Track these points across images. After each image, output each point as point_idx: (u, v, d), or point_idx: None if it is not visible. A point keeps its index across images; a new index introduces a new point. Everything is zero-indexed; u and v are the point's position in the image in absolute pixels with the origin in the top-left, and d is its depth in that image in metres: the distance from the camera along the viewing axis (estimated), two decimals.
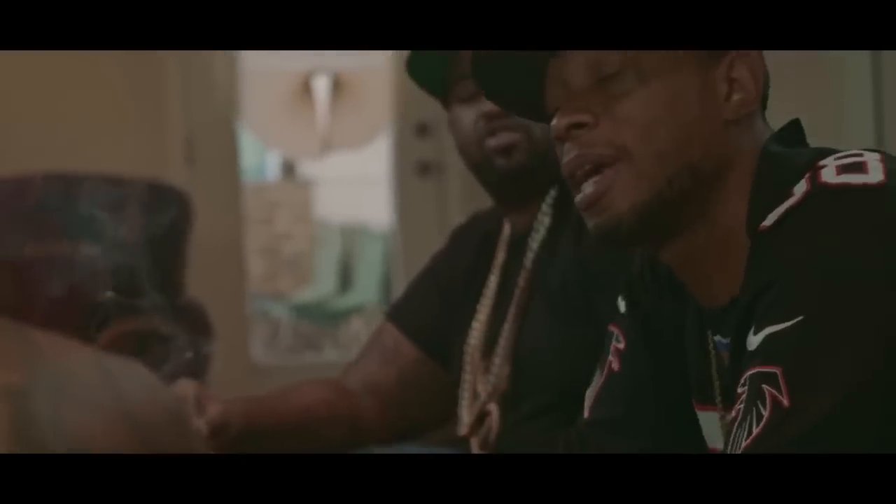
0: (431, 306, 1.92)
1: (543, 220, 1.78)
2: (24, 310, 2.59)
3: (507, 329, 1.77)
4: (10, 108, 3.80)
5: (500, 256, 1.85)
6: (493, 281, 1.84)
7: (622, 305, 1.39)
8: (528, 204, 1.80)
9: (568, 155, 1.24)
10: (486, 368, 1.79)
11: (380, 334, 1.95)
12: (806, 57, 3.30)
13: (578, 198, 1.24)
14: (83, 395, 0.66)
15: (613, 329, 1.39)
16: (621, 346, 1.37)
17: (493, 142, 1.77)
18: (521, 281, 1.77)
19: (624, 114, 1.21)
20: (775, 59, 3.39)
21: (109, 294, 2.67)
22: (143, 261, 2.72)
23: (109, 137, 3.90)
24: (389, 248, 5.75)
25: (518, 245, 1.82)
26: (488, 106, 1.71)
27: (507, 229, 1.86)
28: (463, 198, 3.83)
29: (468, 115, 1.80)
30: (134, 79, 3.92)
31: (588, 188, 1.23)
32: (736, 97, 1.25)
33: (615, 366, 1.37)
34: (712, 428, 1.30)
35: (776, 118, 1.34)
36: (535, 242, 1.78)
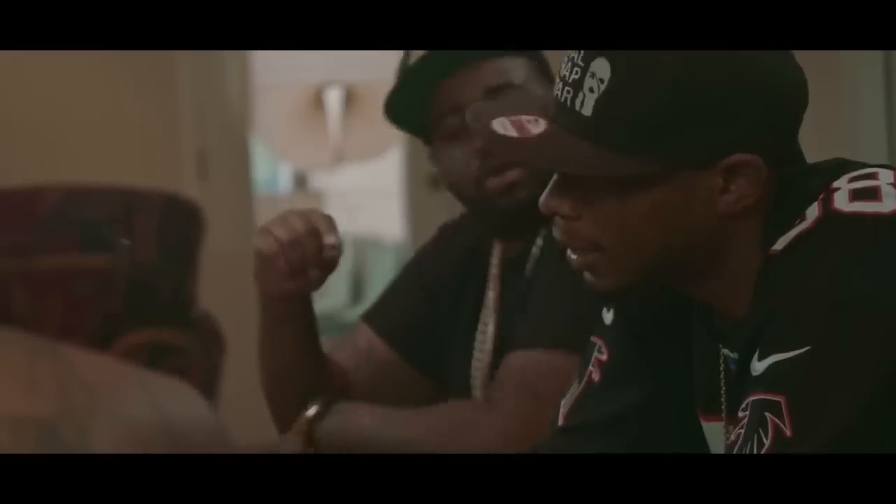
0: (411, 307, 1.86)
1: (538, 244, 1.73)
2: (37, 321, 2.60)
3: None
4: (26, 123, 3.82)
5: (495, 286, 1.81)
6: (489, 315, 1.80)
7: (608, 317, 1.38)
8: (524, 233, 1.75)
9: (556, 232, 1.25)
10: None
11: (354, 335, 1.87)
12: (818, 59, 3.29)
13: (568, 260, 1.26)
14: (122, 414, 0.66)
15: (596, 340, 1.37)
16: (603, 357, 1.36)
17: (494, 181, 1.69)
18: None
19: (603, 215, 1.20)
20: None
21: (122, 305, 2.68)
22: (155, 273, 2.73)
23: (123, 150, 3.91)
24: (401, 260, 5.74)
25: (511, 270, 1.78)
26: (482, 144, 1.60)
27: (497, 252, 1.82)
28: None
29: (457, 153, 1.71)
30: (147, 92, 3.94)
31: (573, 259, 1.24)
32: (732, 193, 1.18)
33: (595, 376, 1.36)
34: (719, 438, 1.31)
35: None
36: (530, 268, 1.75)
